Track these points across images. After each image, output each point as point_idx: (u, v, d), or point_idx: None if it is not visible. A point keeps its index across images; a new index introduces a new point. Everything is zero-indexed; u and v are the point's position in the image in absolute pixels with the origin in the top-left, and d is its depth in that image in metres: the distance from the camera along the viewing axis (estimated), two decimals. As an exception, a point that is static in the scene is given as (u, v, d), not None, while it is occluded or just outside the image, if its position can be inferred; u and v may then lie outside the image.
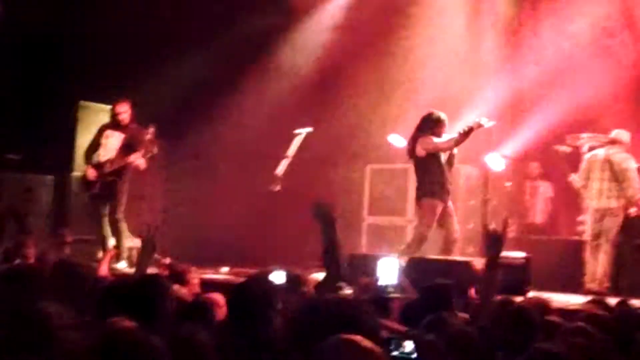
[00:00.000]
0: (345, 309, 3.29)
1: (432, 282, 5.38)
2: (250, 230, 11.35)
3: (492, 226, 5.06)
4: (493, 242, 5.00)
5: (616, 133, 9.67)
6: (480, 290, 5.53)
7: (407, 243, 8.95)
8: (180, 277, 5.65)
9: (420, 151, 8.88)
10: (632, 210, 9.53)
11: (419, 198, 8.95)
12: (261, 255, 9.60)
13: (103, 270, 5.85)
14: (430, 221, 8.79)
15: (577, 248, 9.71)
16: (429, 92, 11.40)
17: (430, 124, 8.88)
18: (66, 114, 11.19)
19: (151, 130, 9.58)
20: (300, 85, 12.05)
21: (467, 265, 7.80)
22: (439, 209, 8.76)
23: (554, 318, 4.58)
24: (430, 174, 8.81)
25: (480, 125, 8.73)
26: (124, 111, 9.81)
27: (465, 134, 8.64)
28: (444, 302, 4.95)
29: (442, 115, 9.00)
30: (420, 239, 8.77)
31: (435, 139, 8.84)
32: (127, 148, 9.70)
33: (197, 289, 5.59)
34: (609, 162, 9.52)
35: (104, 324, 3.32)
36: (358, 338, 2.87)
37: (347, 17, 12.38)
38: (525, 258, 8.56)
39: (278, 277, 5.18)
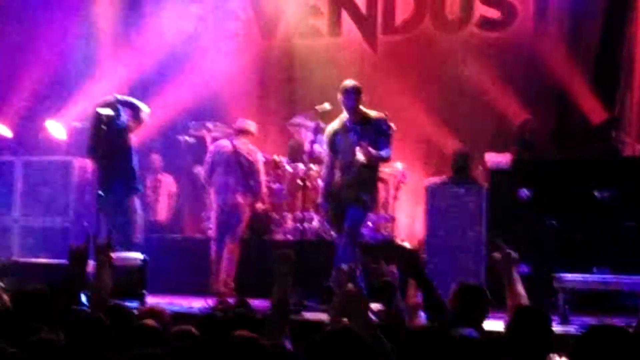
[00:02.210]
0: None
1: (27, 287, 5.36)
2: None
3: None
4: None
5: (242, 122, 9.74)
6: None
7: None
8: None
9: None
10: (259, 206, 9.76)
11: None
12: None
13: None
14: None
15: (204, 247, 9.84)
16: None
17: None
18: None
19: None
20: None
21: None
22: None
23: (152, 323, 4.79)
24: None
25: None
26: None
27: None
28: (39, 310, 5.03)
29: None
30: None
31: None
32: None
33: None
34: (235, 154, 9.51)
35: None
36: None
37: None
38: (143, 260, 8.80)
39: None
